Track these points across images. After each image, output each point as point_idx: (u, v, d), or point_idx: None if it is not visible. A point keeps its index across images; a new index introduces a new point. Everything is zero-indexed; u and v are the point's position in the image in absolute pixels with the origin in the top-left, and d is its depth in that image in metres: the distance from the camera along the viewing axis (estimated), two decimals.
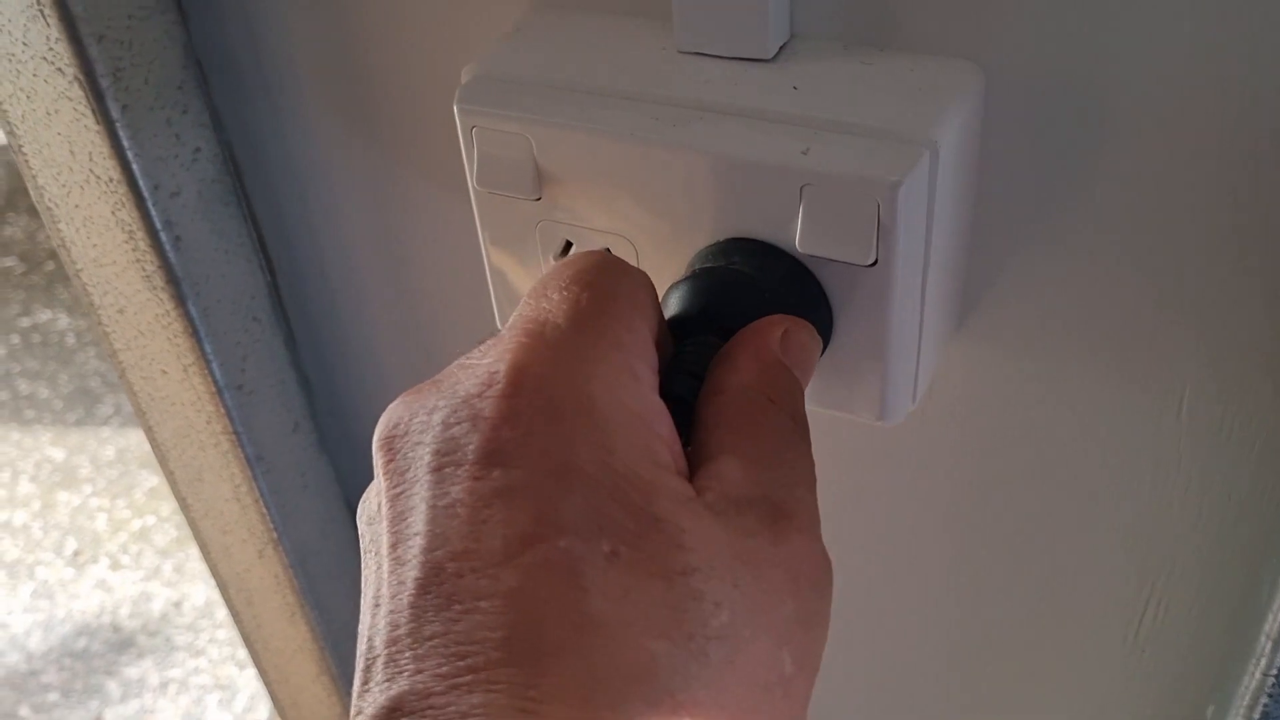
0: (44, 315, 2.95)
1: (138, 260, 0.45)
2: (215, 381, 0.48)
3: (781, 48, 0.34)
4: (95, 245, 0.45)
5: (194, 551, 2.29)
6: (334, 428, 0.55)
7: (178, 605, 2.19)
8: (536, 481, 0.22)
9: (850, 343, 0.34)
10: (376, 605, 0.23)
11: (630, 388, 0.25)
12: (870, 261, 0.32)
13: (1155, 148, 0.32)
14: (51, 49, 0.39)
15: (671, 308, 0.33)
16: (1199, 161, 0.31)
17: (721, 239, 0.34)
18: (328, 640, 0.59)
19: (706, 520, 0.24)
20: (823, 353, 0.34)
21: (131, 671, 2.07)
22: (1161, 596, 0.41)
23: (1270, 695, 0.33)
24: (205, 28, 0.43)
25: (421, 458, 0.24)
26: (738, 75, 0.34)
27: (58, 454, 2.55)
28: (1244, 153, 0.31)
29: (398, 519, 0.23)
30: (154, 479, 2.46)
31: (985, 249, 0.36)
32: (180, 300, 0.45)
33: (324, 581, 0.57)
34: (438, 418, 0.24)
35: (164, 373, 0.49)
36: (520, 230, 0.37)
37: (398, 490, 0.24)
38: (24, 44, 0.40)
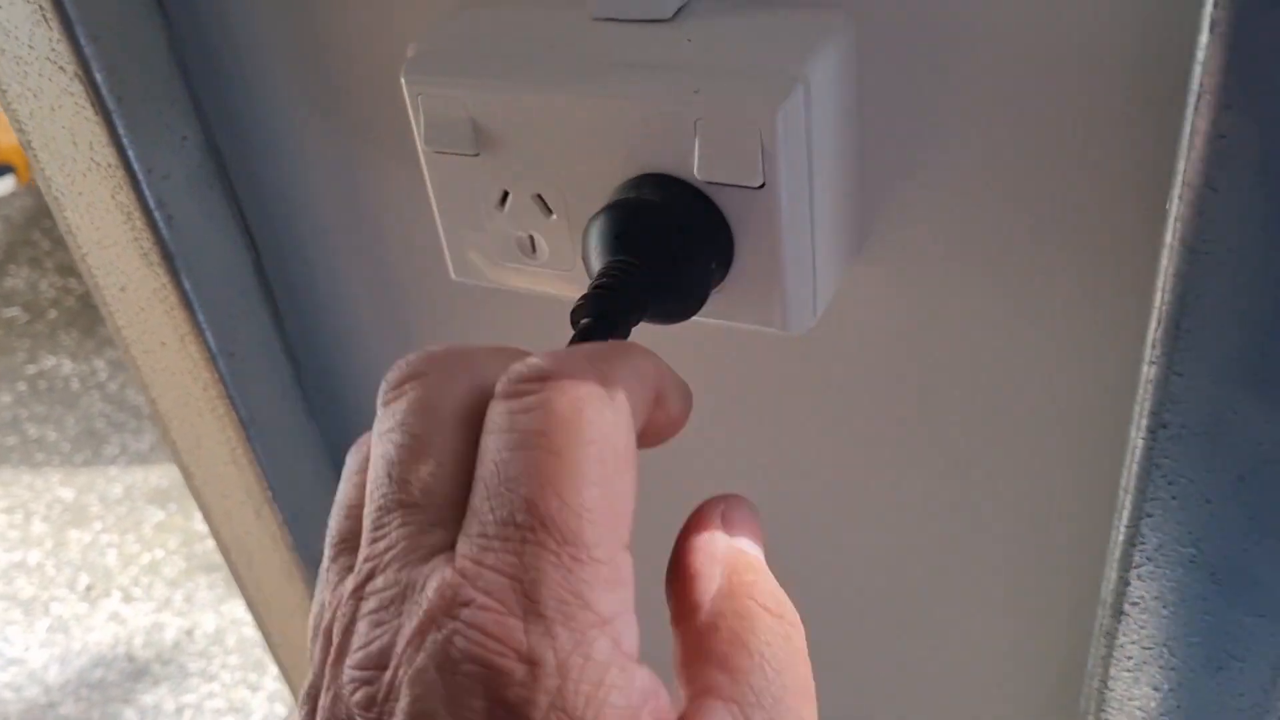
0: (49, 361, 3.01)
1: (135, 239, 0.50)
2: (209, 349, 0.53)
3: (680, 9, 0.40)
4: (98, 228, 0.51)
5: (203, 581, 2.34)
6: (320, 395, 0.60)
7: (189, 633, 2.23)
8: None
9: (750, 261, 0.39)
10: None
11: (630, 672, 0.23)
12: (759, 184, 0.37)
13: (1003, 77, 0.37)
14: (54, 49, 0.45)
15: (593, 236, 0.38)
16: (1043, 89, 0.37)
17: (633, 175, 0.39)
18: None
19: None
20: (727, 274, 0.40)
21: (147, 699, 2.11)
22: (1058, 485, 0.46)
23: (1137, 547, 0.39)
24: (185, 28, 0.49)
25: None
26: (642, 34, 0.39)
27: (67, 494, 2.60)
28: (1078, 81, 0.36)
29: None
30: (160, 514, 2.51)
31: (873, 179, 0.42)
32: (174, 274, 0.51)
33: (318, 539, 0.62)
34: None
35: (163, 344, 0.54)
36: (463, 184, 0.42)
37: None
38: (30, 46, 0.46)
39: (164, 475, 2.61)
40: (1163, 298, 0.34)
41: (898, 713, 0.57)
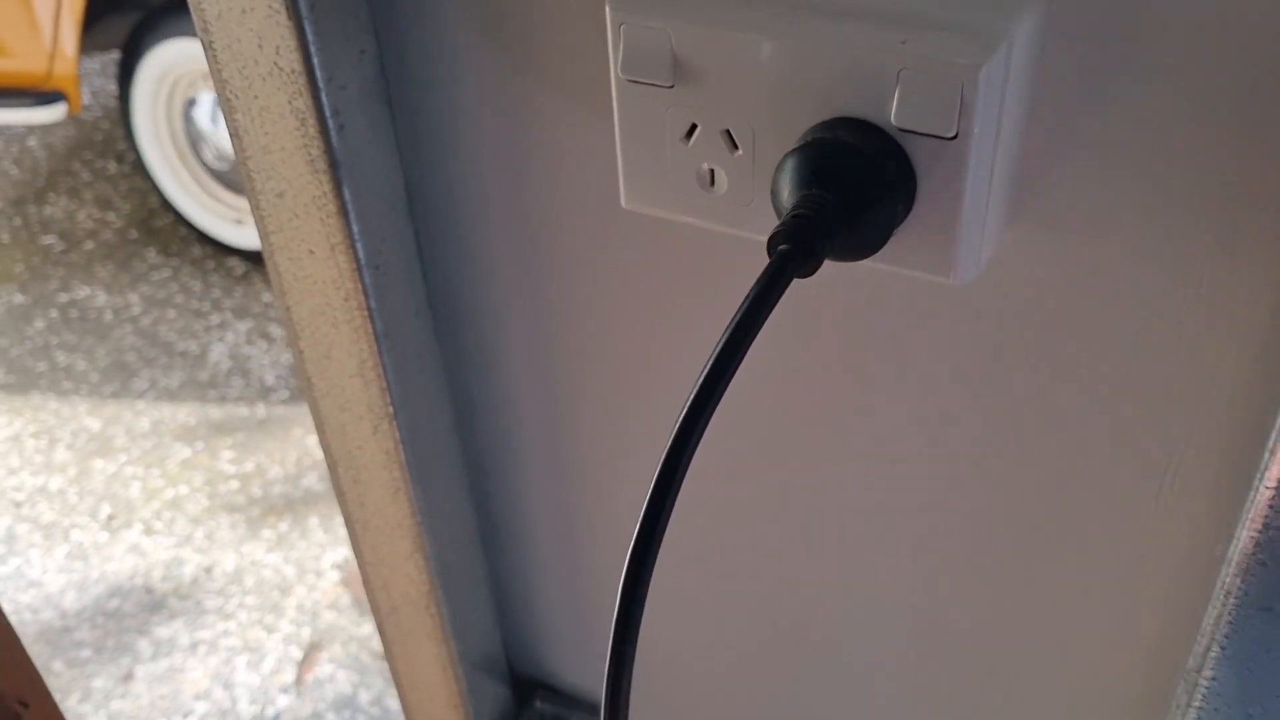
0: (83, 292, 3.03)
1: (305, 145, 0.52)
2: (358, 260, 0.55)
3: None
4: (267, 133, 0.53)
5: (225, 520, 2.36)
6: (446, 318, 0.62)
7: (209, 571, 2.26)
8: None
9: (930, 209, 0.41)
10: None
11: None
12: (952, 135, 0.39)
13: (1193, 60, 0.39)
14: None
15: (788, 171, 0.40)
16: (1218, 71, 0.38)
17: (828, 118, 0.41)
18: (425, 519, 0.66)
19: None
20: (906, 217, 0.41)
21: (162, 631, 2.14)
22: (1183, 460, 0.47)
23: (1272, 507, 0.40)
24: None
25: None
26: None
27: (94, 424, 2.62)
28: (1254, 66, 0.38)
29: None
30: (187, 451, 2.54)
31: (1040, 145, 0.43)
32: (337, 183, 0.52)
33: (429, 460, 0.64)
34: None
35: (311, 253, 0.56)
36: (652, 114, 0.44)
37: None
38: None
39: (191, 413, 2.64)
40: None
41: None
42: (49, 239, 3.23)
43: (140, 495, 2.44)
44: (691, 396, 0.38)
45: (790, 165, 0.40)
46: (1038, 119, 0.43)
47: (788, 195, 0.40)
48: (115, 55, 2.93)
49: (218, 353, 2.81)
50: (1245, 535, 0.42)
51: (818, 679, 0.67)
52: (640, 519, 0.38)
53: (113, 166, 3.49)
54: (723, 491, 0.61)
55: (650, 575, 0.38)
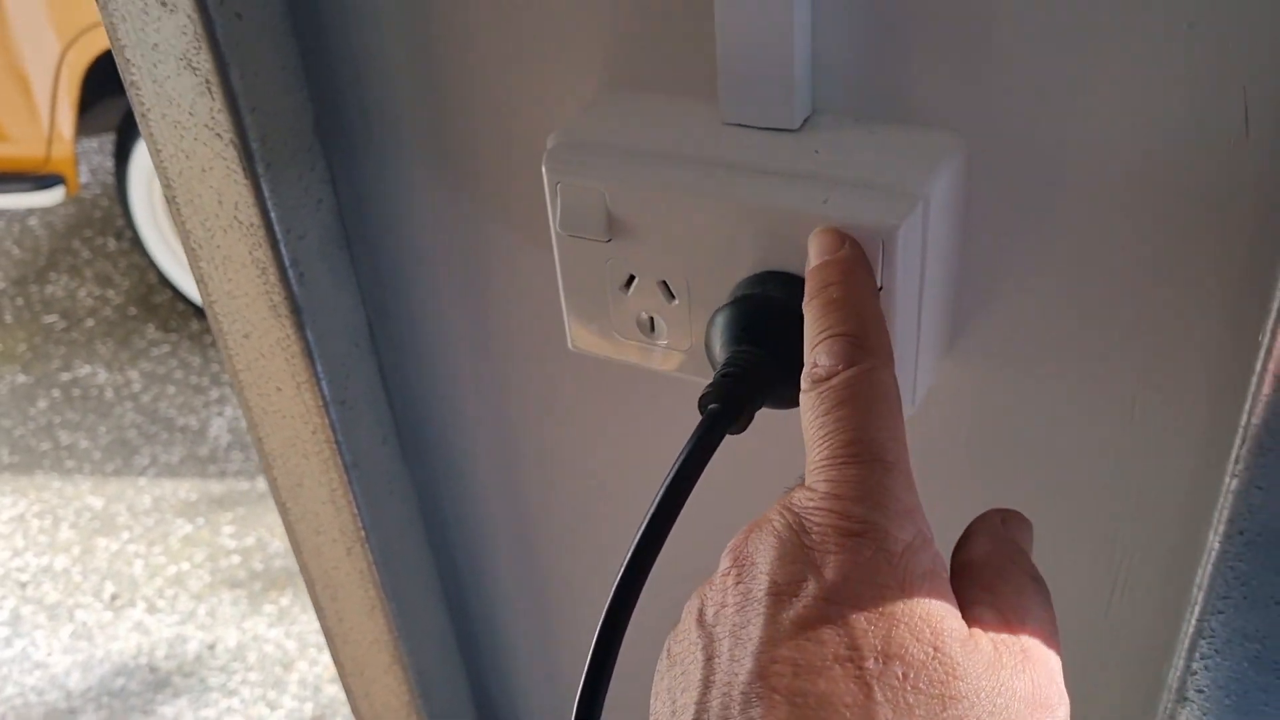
0: (84, 370, 3.06)
1: (267, 292, 0.54)
2: (323, 397, 0.56)
3: (805, 120, 0.43)
4: (230, 280, 0.54)
5: (227, 596, 2.37)
6: (414, 444, 0.64)
7: (211, 648, 2.26)
8: (856, 618, 0.29)
9: None
10: (708, 685, 0.30)
11: (926, 550, 0.31)
12: (878, 288, 0.40)
13: (1099, 199, 0.40)
14: (214, 118, 0.49)
15: (719, 326, 0.42)
16: (1134, 208, 0.40)
17: (758, 272, 0.42)
18: (401, 633, 0.67)
19: (974, 656, 0.29)
20: None
21: (167, 710, 2.14)
22: (1127, 578, 0.49)
23: (1206, 639, 0.42)
24: (328, 103, 0.53)
25: (761, 585, 0.31)
26: (771, 142, 0.43)
27: (97, 502, 2.64)
28: (1168, 204, 0.39)
29: (738, 627, 0.31)
30: (188, 527, 2.55)
31: (971, 281, 0.45)
32: (300, 326, 0.54)
33: (403, 578, 0.66)
34: (775, 554, 0.32)
35: (279, 390, 0.58)
36: (591, 266, 0.46)
37: (739, 604, 0.32)
38: (190, 114, 0.49)
39: (193, 489, 2.65)
40: (1249, 419, 0.37)
41: None
42: (51, 317, 3.26)
43: (143, 573, 2.45)
44: (630, 552, 0.39)
45: (720, 321, 0.42)
46: (966, 260, 0.45)
47: (719, 350, 0.42)
48: (112, 135, 2.97)
49: (217, 427, 2.82)
50: (1181, 665, 0.43)
51: None
52: (583, 676, 0.39)
53: (112, 243, 3.53)
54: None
55: (600, 710, 0.39)
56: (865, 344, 0.35)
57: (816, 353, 0.35)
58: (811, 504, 0.32)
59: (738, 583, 0.32)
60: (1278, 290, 0.34)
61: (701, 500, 0.53)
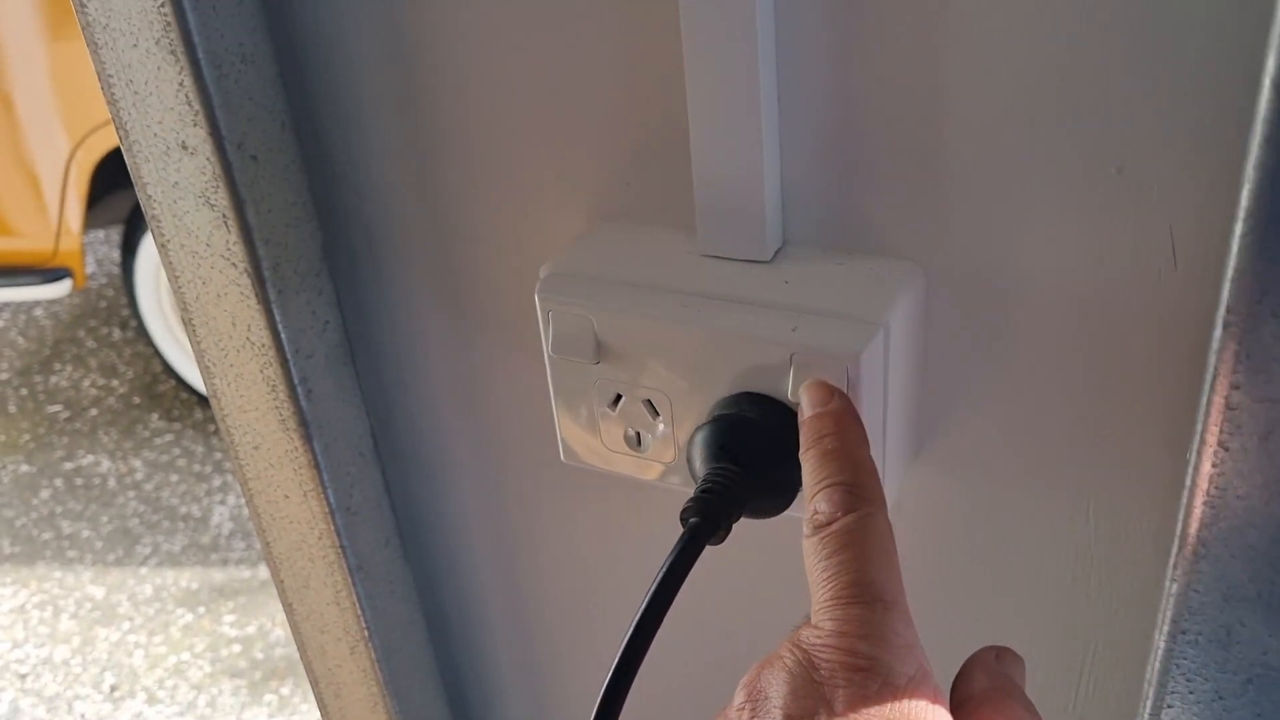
0: (86, 459, 3.08)
1: (276, 408, 0.57)
2: (329, 504, 0.60)
3: (776, 252, 0.47)
4: (241, 395, 0.58)
5: (228, 686, 2.37)
6: (415, 545, 0.67)
7: None
8: None
9: None
10: None
11: (926, 684, 0.34)
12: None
13: (1045, 324, 0.44)
14: (229, 249, 0.53)
15: (699, 444, 0.45)
16: (1077, 333, 0.44)
17: (734, 393, 0.46)
18: None
19: None
20: None
21: None
22: (1091, 672, 0.51)
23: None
24: (334, 232, 0.57)
25: (775, 718, 0.34)
26: (745, 273, 0.47)
27: (98, 591, 2.65)
28: (1107, 330, 0.43)
29: None
30: (189, 616, 2.56)
31: (931, 400, 0.48)
32: (308, 439, 0.58)
33: (403, 676, 0.68)
34: (787, 689, 0.34)
35: (286, 497, 0.61)
36: (581, 385, 0.49)
37: None
38: (207, 245, 0.53)
39: (194, 578, 2.66)
40: (1183, 528, 0.40)
41: None
42: (54, 407, 3.29)
43: (143, 663, 2.45)
44: (616, 660, 0.42)
45: (699, 440, 0.45)
46: (926, 379, 0.48)
47: (699, 465, 0.45)
48: (119, 227, 3.03)
49: (220, 515, 2.84)
50: None
51: None
52: None
53: (117, 333, 3.57)
54: (672, 687, 0.65)
55: None
56: (861, 491, 0.38)
57: (816, 500, 0.39)
58: (820, 641, 0.35)
59: (753, 716, 0.35)
60: (1200, 412, 0.38)
61: (686, 604, 0.56)
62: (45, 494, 2.97)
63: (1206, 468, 0.38)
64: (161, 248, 0.55)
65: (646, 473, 0.50)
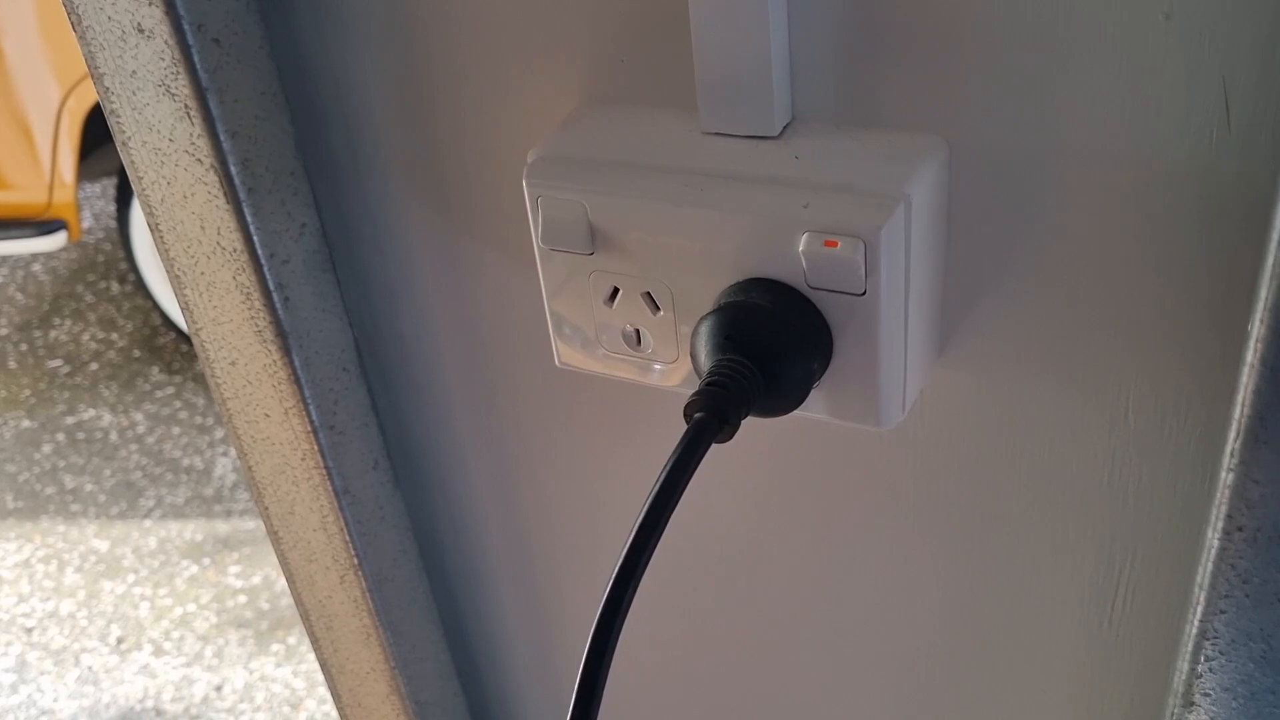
0: (88, 414, 3.06)
1: (252, 318, 0.53)
2: (312, 422, 0.56)
3: (785, 127, 0.43)
4: (215, 306, 0.54)
5: (234, 636, 2.36)
6: (406, 467, 0.63)
7: (219, 689, 2.24)
8: None
9: (848, 361, 0.42)
10: None
11: None
12: (861, 292, 0.40)
13: (1083, 196, 0.40)
14: (194, 143, 0.49)
15: (704, 335, 0.41)
16: (1119, 205, 0.40)
17: (742, 279, 0.42)
18: (398, 662, 0.66)
19: None
20: (825, 371, 0.43)
21: None
22: (1129, 583, 0.48)
23: (1210, 640, 0.41)
24: (309, 126, 0.53)
25: None
26: (751, 150, 0.43)
27: (102, 545, 2.63)
28: (1153, 200, 0.39)
29: None
30: (194, 568, 2.54)
31: (958, 287, 0.44)
32: (286, 352, 0.54)
33: (397, 607, 0.65)
34: None
35: (266, 416, 0.57)
36: (575, 280, 0.46)
37: None
38: (170, 140, 0.49)
39: (198, 529, 2.64)
40: (1242, 411, 0.36)
41: None
42: (55, 362, 3.26)
43: (149, 615, 2.44)
44: (618, 565, 0.38)
45: (705, 330, 0.41)
46: (952, 264, 0.44)
47: (704, 359, 0.41)
48: (114, 179, 2.99)
49: (222, 467, 2.82)
50: (1186, 668, 0.42)
51: None
52: (576, 689, 0.39)
53: (115, 287, 3.54)
54: (670, 617, 0.61)
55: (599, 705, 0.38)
56: None
57: None
58: None
59: None
60: (1264, 280, 0.34)
61: (690, 510, 0.53)
62: (47, 449, 2.95)
63: (1268, 337, 0.34)
64: (122, 146, 0.51)
65: (648, 374, 0.47)
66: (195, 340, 0.57)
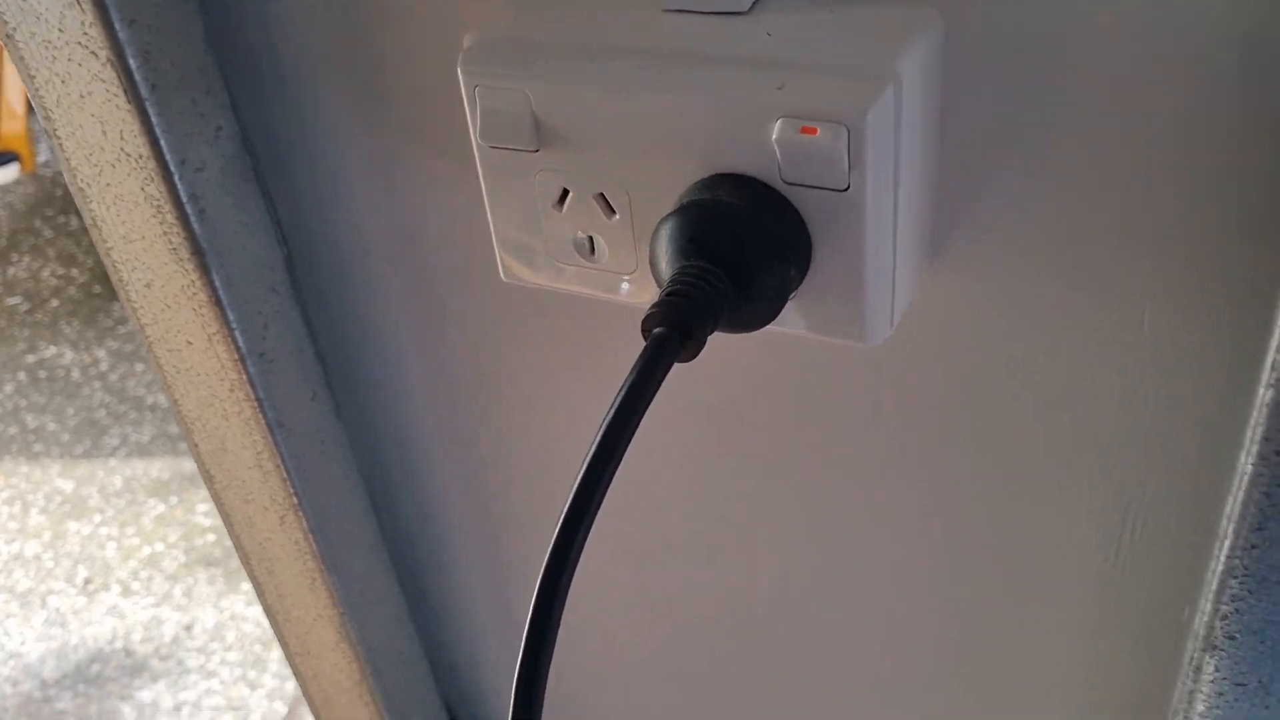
0: (49, 351, 2.98)
1: (165, 233, 0.48)
2: (239, 349, 0.51)
3: (756, 1, 0.38)
4: (125, 221, 0.48)
5: (203, 575, 2.31)
6: (348, 397, 0.58)
7: (189, 629, 2.21)
8: None
9: (830, 268, 0.37)
10: None
11: None
12: (844, 187, 0.35)
13: (1100, 84, 0.35)
14: (86, 33, 0.43)
15: (664, 239, 0.36)
16: (1141, 93, 0.34)
17: (707, 175, 0.37)
18: (346, 606, 0.62)
19: None
20: (803, 280, 0.37)
21: (145, 695, 2.09)
22: (1141, 513, 0.43)
23: (1237, 578, 0.36)
24: (221, 16, 0.47)
25: None
26: (717, 27, 0.37)
27: (67, 485, 2.58)
28: (1182, 90, 0.34)
29: None
30: (161, 506, 2.49)
31: (952, 184, 0.39)
32: (205, 270, 0.48)
33: (342, 548, 0.60)
34: None
35: (189, 343, 0.52)
36: (519, 181, 0.40)
37: None
38: (60, 30, 0.43)
39: (165, 467, 2.59)
40: None
41: None
42: (14, 299, 3.18)
43: (116, 555, 2.39)
44: (570, 499, 0.34)
45: (665, 233, 0.36)
46: (947, 158, 0.39)
47: (665, 266, 0.36)
48: None
49: None
50: (1209, 609, 0.38)
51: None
52: (526, 631, 0.34)
53: (74, 221, 3.44)
54: (647, 543, 0.57)
55: (549, 658, 0.34)
56: None
57: None
58: None
59: None
60: None
61: (651, 436, 0.48)
62: (8, 388, 2.88)
63: None
64: (8, 39, 0.45)
65: (601, 287, 0.41)
66: (106, 261, 0.51)
